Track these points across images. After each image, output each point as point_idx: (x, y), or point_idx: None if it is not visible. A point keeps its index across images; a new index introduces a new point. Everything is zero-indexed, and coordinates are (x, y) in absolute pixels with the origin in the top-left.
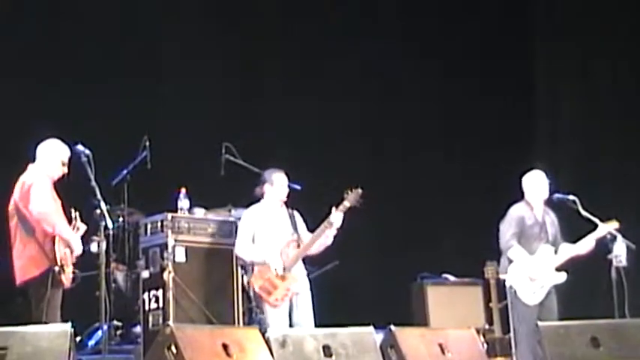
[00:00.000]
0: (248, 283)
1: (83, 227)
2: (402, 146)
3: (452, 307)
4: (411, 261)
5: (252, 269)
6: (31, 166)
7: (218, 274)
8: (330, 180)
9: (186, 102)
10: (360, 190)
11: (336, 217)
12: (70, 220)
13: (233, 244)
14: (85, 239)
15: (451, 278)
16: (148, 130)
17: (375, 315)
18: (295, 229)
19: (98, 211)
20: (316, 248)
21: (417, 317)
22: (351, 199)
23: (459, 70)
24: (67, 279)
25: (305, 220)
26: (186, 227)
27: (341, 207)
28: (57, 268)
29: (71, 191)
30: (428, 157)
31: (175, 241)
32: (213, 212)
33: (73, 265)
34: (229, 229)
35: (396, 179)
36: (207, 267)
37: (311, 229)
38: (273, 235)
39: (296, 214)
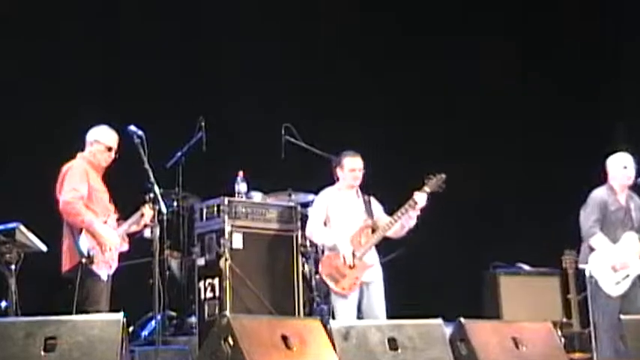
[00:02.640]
0: (312, 271)
1: (149, 213)
2: (476, 129)
3: (527, 299)
4: (483, 249)
5: (319, 256)
6: (78, 155)
7: (277, 262)
8: (402, 163)
9: (244, 81)
10: (443, 176)
11: (420, 196)
12: (116, 210)
13: (293, 231)
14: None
15: (526, 268)
16: (204, 111)
17: (444, 306)
18: (370, 214)
19: (152, 194)
20: (397, 231)
21: (489, 309)
22: (432, 184)
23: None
24: (102, 267)
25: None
26: (243, 212)
27: (422, 191)
28: (84, 260)
29: (124, 174)
30: (504, 141)
31: (232, 226)
32: (273, 197)
33: (120, 255)
34: (289, 215)
35: (469, 163)
36: (266, 254)
37: (389, 213)
38: (345, 220)
39: (372, 199)
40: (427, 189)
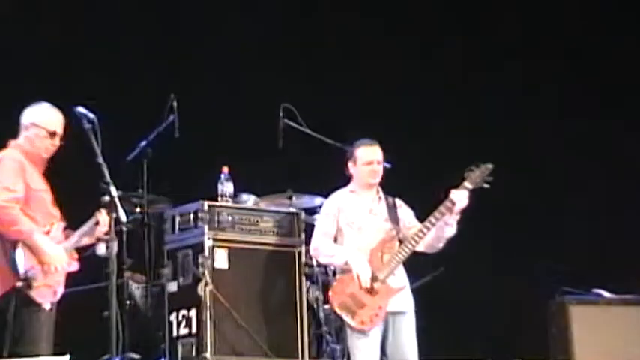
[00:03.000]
0: (321, 299)
1: (105, 221)
2: (533, 110)
3: (606, 334)
4: (546, 270)
5: (329, 279)
6: (11, 143)
7: (274, 287)
8: (432, 157)
9: (230, 55)
10: (490, 166)
11: (460, 195)
12: (63, 216)
13: (295, 246)
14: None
15: (605, 295)
16: (177, 90)
17: (496, 345)
18: (396, 222)
19: (107, 198)
20: (432, 243)
21: (556, 349)
22: (475, 178)
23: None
24: (44, 293)
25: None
26: (229, 221)
27: (461, 188)
28: (20, 284)
29: (73, 170)
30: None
31: (214, 240)
32: (268, 201)
33: (67, 278)
34: (290, 224)
35: (521, 157)
36: (260, 277)
37: (421, 220)
38: (362, 231)
39: (399, 202)
40: (468, 185)
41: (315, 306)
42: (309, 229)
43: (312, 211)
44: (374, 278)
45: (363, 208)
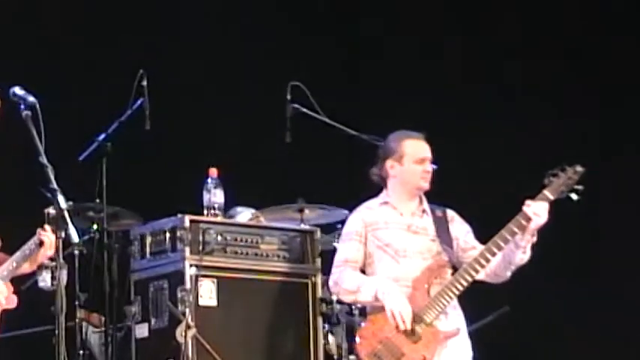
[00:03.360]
0: (344, 347)
1: (49, 242)
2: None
3: None
4: None
5: (355, 321)
6: None
7: (281, 331)
8: (490, 157)
9: (215, 24)
10: (579, 169)
11: (537, 208)
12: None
13: (308, 275)
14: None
15: None
16: (149, 67)
17: None
18: (447, 242)
19: (52, 210)
20: (497, 271)
21: None
22: (559, 185)
23: None
24: None
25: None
26: (219, 242)
27: (540, 199)
28: None
29: (3, 175)
30: None
31: (199, 268)
32: (271, 214)
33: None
34: (300, 247)
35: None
36: (260, 318)
37: (482, 240)
38: (401, 255)
39: (450, 214)
40: (549, 194)
41: (335, 357)
42: (327, 252)
43: (330, 229)
44: (416, 319)
45: (401, 225)
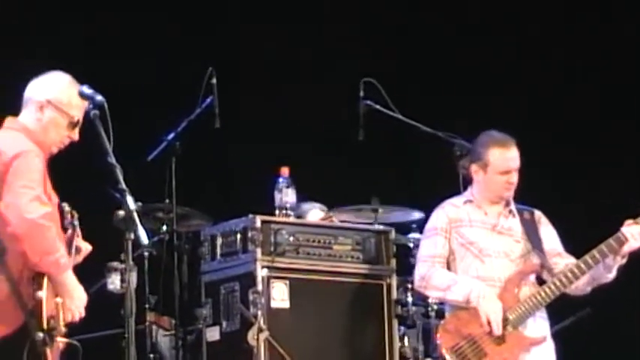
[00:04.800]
0: (420, 350)
1: (85, 248)
2: None
3: None
4: None
5: (431, 323)
6: (10, 122)
7: (355, 334)
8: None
9: (284, 20)
10: None
11: (636, 231)
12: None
13: (383, 277)
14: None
15: None
16: (217, 65)
17: None
18: (537, 244)
19: (121, 212)
20: (579, 286)
21: None
22: None
23: None
24: (54, 349)
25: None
26: (291, 243)
27: None
28: (40, 335)
29: (69, 175)
30: None
31: (271, 269)
32: (345, 214)
33: (67, 326)
34: (375, 247)
35: None
36: (333, 320)
37: (575, 253)
38: (486, 255)
39: (538, 215)
40: None
41: (407, 356)
42: (403, 252)
43: (406, 229)
44: (504, 321)
45: (486, 224)
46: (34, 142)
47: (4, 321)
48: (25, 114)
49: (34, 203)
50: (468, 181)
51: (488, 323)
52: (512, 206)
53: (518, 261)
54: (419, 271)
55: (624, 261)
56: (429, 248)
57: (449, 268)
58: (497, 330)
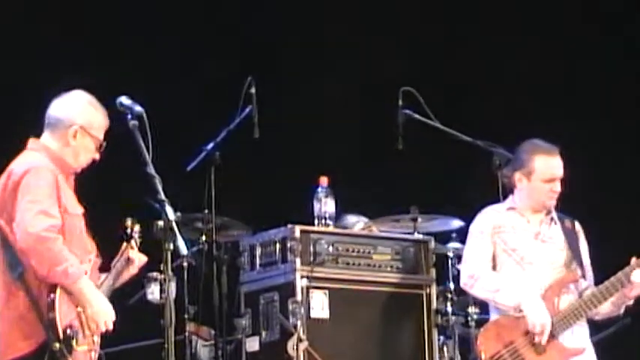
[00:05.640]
0: (458, 357)
1: (140, 259)
2: None
3: None
4: None
5: (471, 332)
6: (32, 143)
7: (395, 343)
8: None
9: (322, 24)
10: None
11: None
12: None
13: (423, 286)
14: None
15: None
16: (256, 74)
17: None
18: (577, 254)
19: (160, 223)
20: (607, 313)
21: None
22: None
23: None
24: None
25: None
26: (330, 253)
27: None
28: (57, 345)
29: (106, 186)
30: None
31: (310, 279)
32: (384, 224)
33: (100, 336)
34: (415, 257)
35: None
36: (373, 330)
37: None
38: (527, 262)
39: (578, 227)
40: None
41: None
42: (442, 262)
43: (445, 238)
44: (552, 332)
45: (528, 232)
46: (53, 160)
47: (28, 336)
48: (50, 137)
49: (39, 217)
50: (508, 190)
51: (532, 332)
52: (554, 214)
53: (560, 270)
54: (467, 270)
55: (631, 302)
56: (477, 249)
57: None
58: (544, 340)
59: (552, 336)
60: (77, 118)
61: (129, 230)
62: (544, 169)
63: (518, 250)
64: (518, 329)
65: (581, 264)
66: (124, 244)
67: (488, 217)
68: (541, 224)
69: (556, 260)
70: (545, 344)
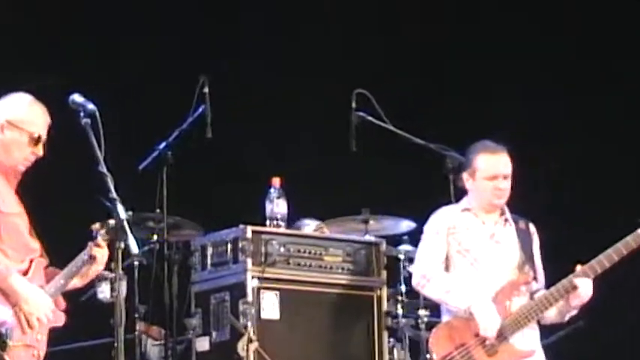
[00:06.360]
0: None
1: (102, 255)
2: None
3: None
4: None
5: (421, 335)
6: None
7: (345, 345)
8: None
9: (277, 30)
10: None
11: (583, 286)
12: (44, 250)
13: (374, 288)
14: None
15: None
16: (209, 72)
17: None
18: (530, 256)
19: (112, 221)
20: (549, 317)
21: None
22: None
23: None
24: (20, 356)
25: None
26: (282, 254)
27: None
28: None
29: (57, 185)
30: None
31: (261, 280)
32: (336, 226)
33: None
34: (366, 259)
35: None
36: (323, 331)
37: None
38: (480, 264)
39: (532, 229)
40: (632, 241)
41: None
42: (393, 264)
43: (397, 241)
44: (501, 334)
45: (483, 233)
46: None
47: None
48: None
49: None
50: (462, 193)
51: (485, 329)
52: (508, 215)
53: (513, 271)
54: (420, 269)
55: (575, 312)
56: (430, 249)
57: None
58: (490, 341)
59: (504, 338)
60: (3, 112)
61: (94, 231)
62: (486, 166)
63: (472, 251)
64: (469, 331)
65: (533, 266)
66: (89, 243)
67: (443, 218)
68: (495, 225)
69: (509, 262)
70: (497, 346)
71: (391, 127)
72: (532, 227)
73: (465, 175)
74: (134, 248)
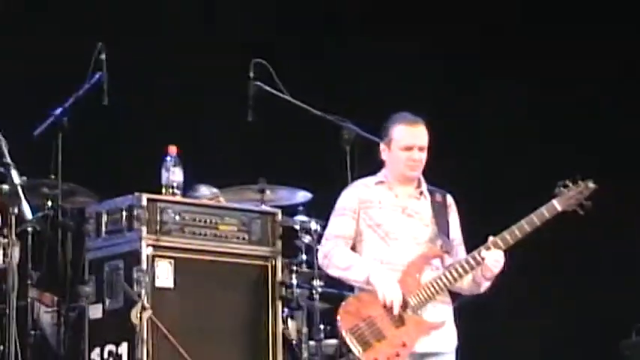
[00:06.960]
0: (304, 332)
1: None
2: None
3: None
4: (620, 301)
5: (316, 305)
6: None
7: (238, 314)
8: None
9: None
10: (592, 185)
11: (493, 257)
12: None
13: (269, 257)
14: None
15: None
16: (107, 39)
17: None
18: (444, 229)
19: (5, 186)
20: (469, 289)
21: None
22: (570, 197)
23: None
24: None
25: (462, 218)
26: (177, 222)
27: (549, 206)
28: None
29: None
30: None
31: (156, 248)
32: (231, 195)
33: None
34: (261, 228)
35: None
36: (217, 300)
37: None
38: (392, 238)
39: (449, 201)
40: (558, 205)
41: (294, 342)
42: (289, 234)
43: (292, 211)
44: (404, 305)
45: (395, 207)
46: None
47: None
48: None
49: None
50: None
51: (386, 306)
52: (424, 187)
53: (425, 245)
54: (323, 249)
55: (489, 283)
56: (336, 227)
57: (354, 249)
58: (395, 311)
59: (413, 310)
60: None
61: None
62: (401, 136)
63: (383, 226)
64: (377, 304)
65: (447, 239)
66: None
67: (355, 192)
68: (409, 198)
69: (421, 235)
70: (405, 317)
71: (288, 97)
72: (449, 199)
73: (382, 146)
74: (28, 214)
